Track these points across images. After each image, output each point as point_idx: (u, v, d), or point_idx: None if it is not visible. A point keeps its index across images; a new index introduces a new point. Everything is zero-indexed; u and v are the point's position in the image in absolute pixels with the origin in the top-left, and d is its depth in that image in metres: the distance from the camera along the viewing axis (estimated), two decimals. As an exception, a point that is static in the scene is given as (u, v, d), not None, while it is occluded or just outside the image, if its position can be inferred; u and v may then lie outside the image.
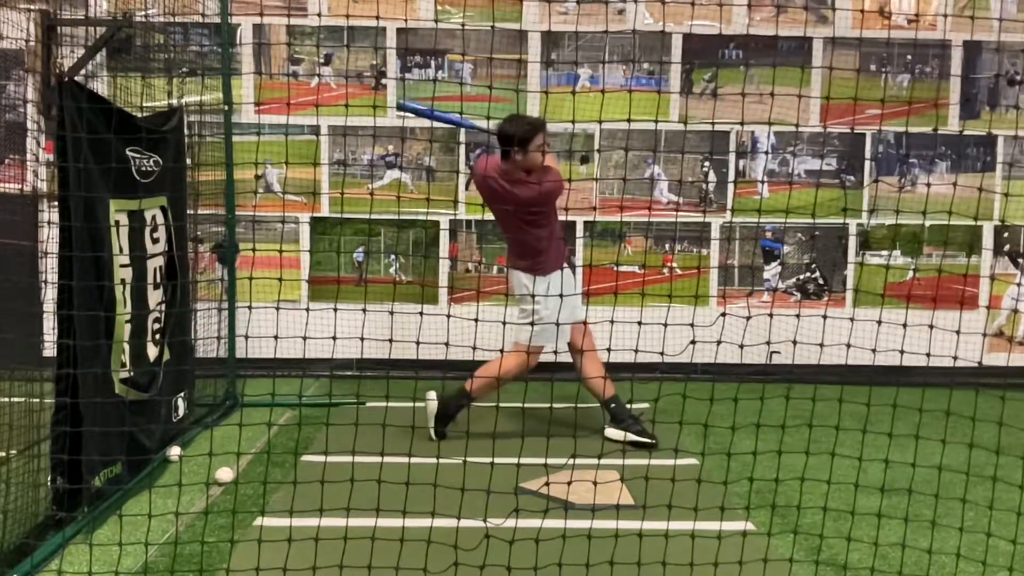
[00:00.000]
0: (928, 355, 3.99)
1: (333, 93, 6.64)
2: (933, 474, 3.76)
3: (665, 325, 3.80)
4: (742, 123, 6.02)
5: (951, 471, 3.81)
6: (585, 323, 4.77)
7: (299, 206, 6.65)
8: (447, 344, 5.02)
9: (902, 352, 3.86)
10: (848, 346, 3.90)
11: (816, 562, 3.63)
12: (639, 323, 3.68)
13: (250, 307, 3.60)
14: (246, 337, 3.77)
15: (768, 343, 4.09)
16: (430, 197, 6.55)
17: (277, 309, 3.54)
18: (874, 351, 3.89)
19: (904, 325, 3.95)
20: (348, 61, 6.64)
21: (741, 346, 3.81)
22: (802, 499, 3.84)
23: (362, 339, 3.80)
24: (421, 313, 4.61)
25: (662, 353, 3.82)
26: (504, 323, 5.14)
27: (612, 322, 3.88)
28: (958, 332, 3.90)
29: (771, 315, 3.83)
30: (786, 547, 3.74)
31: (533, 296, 4.94)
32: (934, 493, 3.74)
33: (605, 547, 3.42)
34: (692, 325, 3.85)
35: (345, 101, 6.27)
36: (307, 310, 3.69)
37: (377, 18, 3.93)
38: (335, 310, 3.62)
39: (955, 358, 3.92)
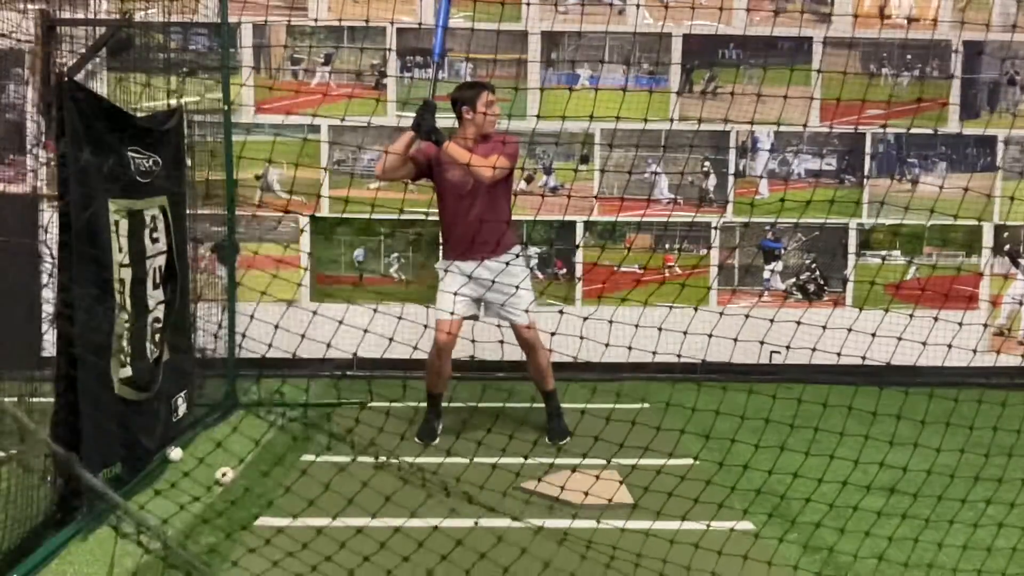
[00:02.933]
0: (925, 343, 3.98)
1: (333, 93, 6.64)
2: (933, 474, 3.77)
3: (653, 322, 3.81)
4: (751, 123, 6.03)
5: (950, 470, 3.82)
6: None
7: (299, 206, 6.65)
8: (473, 341, 5.02)
9: (896, 345, 3.86)
10: (838, 354, 3.91)
11: (806, 549, 3.63)
12: (634, 325, 3.69)
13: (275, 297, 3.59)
14: (271, 340, 3.75)
15: (761, 342, 4.09)
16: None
17: (291, 303, 3.54)
18: (864, 358, 3.89)
19: (904, 330, 3.94)
20: (352, 60, 6.64)
21: (735, 340, 3.81)
22: (799, 496, 3.84)
23: (369, 328, 3.80)
24: (441, 311, 4.62)
25: (655, 352, 3.82)
26: (500, 315, 5.17)
27: (610, 322, 3.88)
28: (960, 323, 3.90)
29: (747, 316, 3.82)
30: (784, 546, 3.73)
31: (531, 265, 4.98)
32: (935, 494, 3.75)
33: (602, 547, 3.42)
34: (670, 311, 3.85)
35: (377, 102, 6.26)
36: (318, 304, 3.68)
37: (367, 23, 3.93)
38: (371, 304, 3.61)
39: (949, 345, 3.92)
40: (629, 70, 6.73)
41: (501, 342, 4.44)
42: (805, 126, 6.53)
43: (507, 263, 4.89)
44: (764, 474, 3.92)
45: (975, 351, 3.93)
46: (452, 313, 4.96)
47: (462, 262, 5.03)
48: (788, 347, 3.88)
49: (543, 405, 5.33)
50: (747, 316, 3.84)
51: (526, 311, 5.05)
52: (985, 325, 6.73)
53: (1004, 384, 5.81)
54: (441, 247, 5.37)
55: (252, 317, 3.74)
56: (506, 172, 5.01)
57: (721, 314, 3.86)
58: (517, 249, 5.24)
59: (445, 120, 5.12)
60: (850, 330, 3.81)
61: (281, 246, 6.56)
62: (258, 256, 6.15)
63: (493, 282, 4.68)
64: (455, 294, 4.82)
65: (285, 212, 6.53)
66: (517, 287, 4.78)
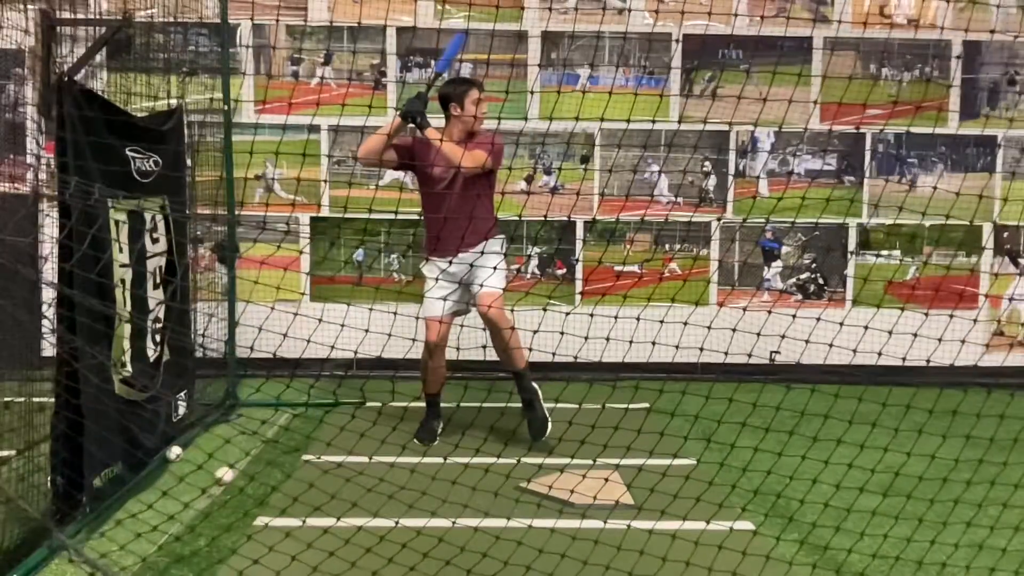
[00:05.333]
0: (940, 339, 3.99)
1: (333, 93, 6.64)
2: (933, 474, 3.77)
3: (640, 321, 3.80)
4: (756, 124, 6.03)
5: (947, 470, 3.82)
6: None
7: (299, 206, 6.64)
8: (458, 349, 5.04)
9: (881, 352, 3.88)
10: (838, 347, 3.90)
11: (814, 564, 3.64)
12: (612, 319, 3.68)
13: (284, 304, 3.60)
14: (277, 343, 3.74)
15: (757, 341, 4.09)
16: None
17: (278, 301, 3.54)
18: (857, 352, 3.90)
19: (909, 332, 3.95)
20: (354, 61, 6.64)
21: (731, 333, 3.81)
22: (800, 498, 3.85)
23: (375, 331, 3.78)
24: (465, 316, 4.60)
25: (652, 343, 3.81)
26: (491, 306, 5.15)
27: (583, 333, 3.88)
28: (955, 311, 3.89)
29: (707, 323, 3.82)
30: (785, 546, 3.74)
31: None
32: (935, 494, 3.75)
33: (604, 547, 3.42)
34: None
35: (371, 102, 6.25)
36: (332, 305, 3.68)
37: (358, 22, 3.93)
38: (385, 305, 3.61)
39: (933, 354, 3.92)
40: (629, 70, 6.73)
41: (484, 347, 4.43)
42: (806, 127, 6.54)
43: (482, 251, 4.84)
44: (764, 474, 3.92)
45: (975, 341, 3.93)
46: (441, 321, 4.97)
47: (441, 259, 4.99)
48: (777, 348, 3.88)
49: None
50: (773, 319, 3.84)
51: (490, 284, 4.81)
52: (999, 321, 6.73)
53: (1005, 384, 5.80)
54: (424, 244, 5.30)
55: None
56: (488, 167, 4.96)
57: (714, 327, 3.85)
58: (497, 242, 5.15)
59: (436, 119, 5.13)
60: (868, 328, 3.81)
61: (283, 248, 6.55)
62: (257, 257, 6.13)
63: (456, 278, 4.68)
64: (443, 299, 4.84)
65: (288, 218, 6.53)
66: (474, 265, 4.70)
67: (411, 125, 4.83)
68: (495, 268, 4.78)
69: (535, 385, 5.11)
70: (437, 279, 4.86)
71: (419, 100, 4.81)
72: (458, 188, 4.99)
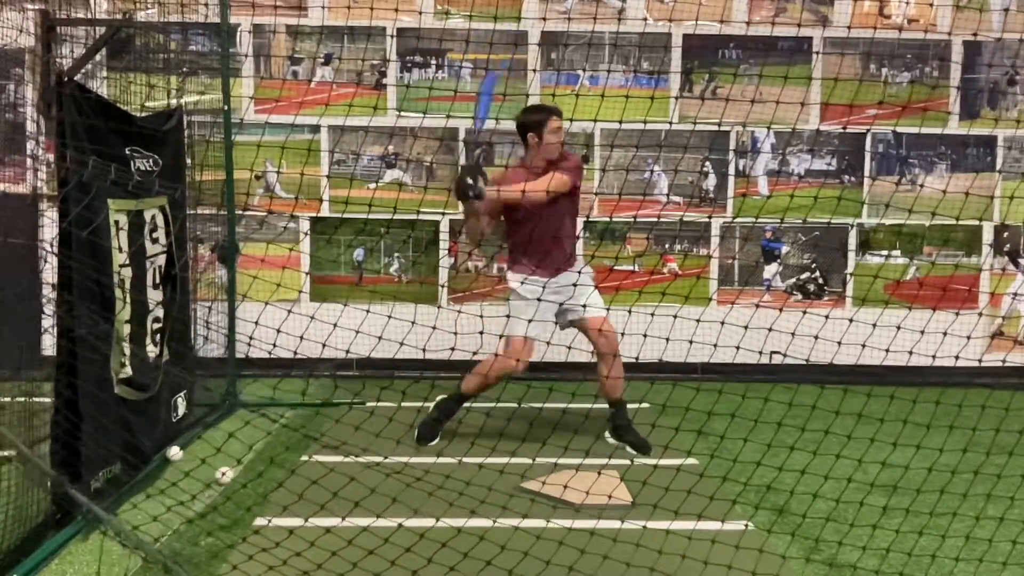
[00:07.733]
0: (911, 353, 4.01)
1: (333, 93, 6.64)
2: (918, 464, 3.79)
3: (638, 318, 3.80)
4: (745, 124, 6.03)
5: (940, 465, 3.84)
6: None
7: (299, 206, 6.65)
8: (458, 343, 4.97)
9: (865, 345, 3.89)
10: (839, 343, 3.91)
11: (809, 559, 3.64)
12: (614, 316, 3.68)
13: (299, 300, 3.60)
14: (289, 339, 3.74)
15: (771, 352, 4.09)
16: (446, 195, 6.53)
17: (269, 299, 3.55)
18: (849, 347, 3.91)
19: (898, 327, 3.95)
20: (354, 61, 6.64)
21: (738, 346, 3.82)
22: (799, 497, 3.85)
23: (367, 328, 3.80)
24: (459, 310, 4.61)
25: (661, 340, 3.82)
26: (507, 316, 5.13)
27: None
28: (950, 310, 3.90)
29: (707, 324, 3.81)
30: (783, 545, 3.74)
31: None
32: (932, 490, 3.76)
33: (602, 546, 3.43)
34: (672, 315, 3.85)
35: (365, 107, 6.25)
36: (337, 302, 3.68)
37: (367, 25, 3.93)
38: (382, 308, 3.62)
39: (935, 355, 3.92)
40: (630, 71, 6.73)
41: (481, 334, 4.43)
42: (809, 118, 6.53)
43: (579, 272, 5.01)
44: (763, 475, 3.93)
45: (971, 341, 3.93)
46: (526, 338, 4.97)
47: (540, 279, 4.96)
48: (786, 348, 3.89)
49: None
50: (773, 319, 3.84)
51: (595, 304, 4.94)
52: (980, 314, 6.73)
53: (1002, 384, 5.81)
54: (517, 264, 5.19)
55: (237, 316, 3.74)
56: (567, 188, 4.94)
57: (723, 323, 3.86)
58: (582, 262, 5.27)
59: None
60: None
61: (285, 247, 6.57)
62: (258, 256, 6.14)
63: (557, 300, 4.76)
64: (537, 321, 4.77)
65: (270, 211, 6.54)
66: (576, 285, 4.81)
67: (471, 201, 4.77)
68: (594, 288, 5.05)
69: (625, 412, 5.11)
70: (521, 289, 4.99)
71: (468, 171, 4.76)
72: (544, 210, 4.98)
